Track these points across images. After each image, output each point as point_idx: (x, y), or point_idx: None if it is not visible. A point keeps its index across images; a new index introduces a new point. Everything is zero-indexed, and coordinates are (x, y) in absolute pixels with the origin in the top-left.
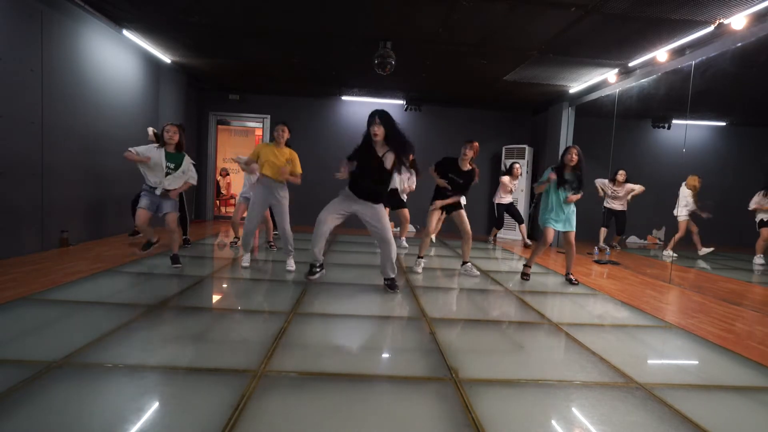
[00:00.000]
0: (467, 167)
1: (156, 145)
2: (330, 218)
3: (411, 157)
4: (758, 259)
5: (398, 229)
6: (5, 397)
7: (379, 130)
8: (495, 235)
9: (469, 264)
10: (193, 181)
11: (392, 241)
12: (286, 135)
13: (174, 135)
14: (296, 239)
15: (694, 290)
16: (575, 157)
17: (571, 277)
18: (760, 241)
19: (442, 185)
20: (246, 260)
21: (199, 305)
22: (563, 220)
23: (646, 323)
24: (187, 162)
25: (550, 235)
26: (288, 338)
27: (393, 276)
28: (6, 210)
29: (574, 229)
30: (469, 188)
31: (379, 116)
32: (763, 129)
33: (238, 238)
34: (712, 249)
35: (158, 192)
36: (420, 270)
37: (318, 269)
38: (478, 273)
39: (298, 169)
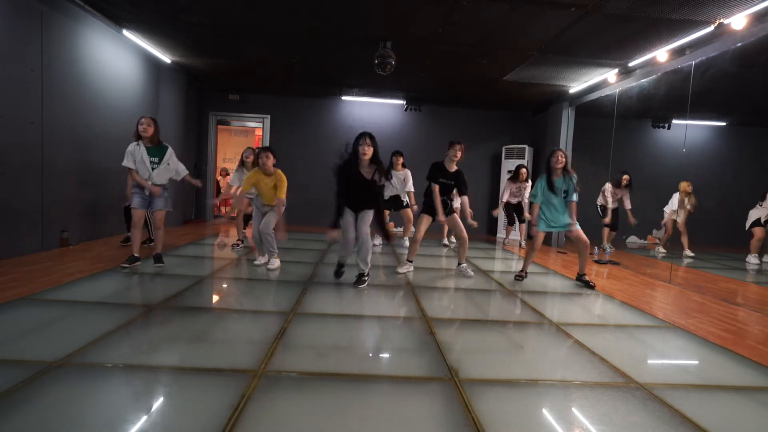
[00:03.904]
0: (454, 168)
1: (135, 142)
2: (354, 232)
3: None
4: (753, 259)
5: (401, 228)
6: (5, 397)
7: (369, 150)
8: (509, 234)
9: (464, 265)
10: (185, 173)
11: (369, 235)
12: (271, 161)
13: (148, 127)
14: (291, 239)
15: (694, 290)
16: (562, 159)
17: (587, 278)
18: (754, 240)
19: (439, 210)
20: (261, 259)
21: (199, 305)
22: (557, 222)
23: (646, 323)
24: (170, 153)
25: (540, 240)
26: (288, 338)
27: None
28: (6, 210)
29: (576, 224)
30: (466, 186)
31: (369, 137)
32: (763, 129)
33: (241, 240)
34: (692, 255)
35: (147, 191)
36: (402, 271)
37: (343, 269)
38: (472, 274)
39: (282, 195)
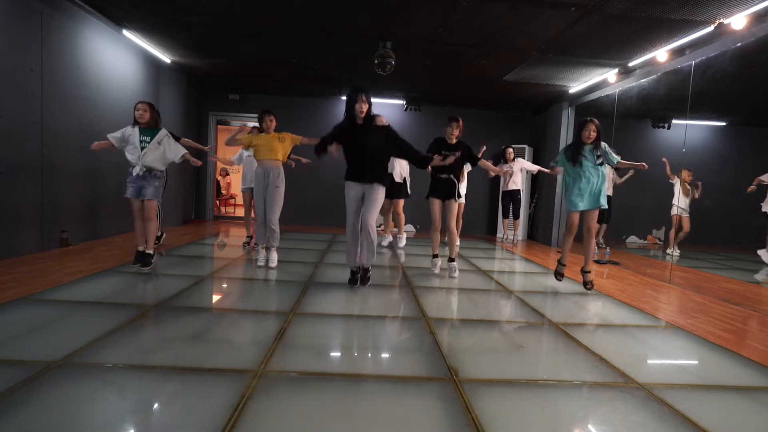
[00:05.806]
0: (454, 142)
1: (130, 126)
2: (357, 221)
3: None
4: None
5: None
6: (5, 397)
7: (365, 107)
8: (507, 226)
9: (455, 264)
10: (183, 152)
11: (374, 228)
12: (274, 124)
13: (144, 113)
14: (287, 238)
15: (694, 290)
16: (593, 134)
17: (589, 277)
18: None
19: (438, 161)
20: (261, 259)
21: (198, 305)
22: (588, 197)
23: (646, 323)
24: (164, 134)
25: (575, 221)
26: (288, 338)
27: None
28: (6, 210)
29: (602, 205)
30: (470, 155)
31: (365, 93)
32: (763, 129)
33: (251, 237)
34: (677, 253)
35: (137, 171)
36: (437, 271)
37: (358, 275)
38: (456, 276)
39: (298, 138)
